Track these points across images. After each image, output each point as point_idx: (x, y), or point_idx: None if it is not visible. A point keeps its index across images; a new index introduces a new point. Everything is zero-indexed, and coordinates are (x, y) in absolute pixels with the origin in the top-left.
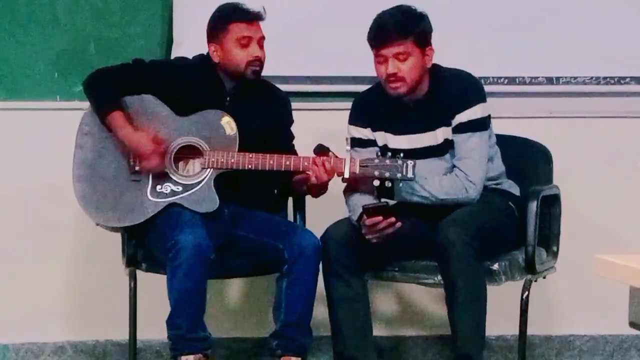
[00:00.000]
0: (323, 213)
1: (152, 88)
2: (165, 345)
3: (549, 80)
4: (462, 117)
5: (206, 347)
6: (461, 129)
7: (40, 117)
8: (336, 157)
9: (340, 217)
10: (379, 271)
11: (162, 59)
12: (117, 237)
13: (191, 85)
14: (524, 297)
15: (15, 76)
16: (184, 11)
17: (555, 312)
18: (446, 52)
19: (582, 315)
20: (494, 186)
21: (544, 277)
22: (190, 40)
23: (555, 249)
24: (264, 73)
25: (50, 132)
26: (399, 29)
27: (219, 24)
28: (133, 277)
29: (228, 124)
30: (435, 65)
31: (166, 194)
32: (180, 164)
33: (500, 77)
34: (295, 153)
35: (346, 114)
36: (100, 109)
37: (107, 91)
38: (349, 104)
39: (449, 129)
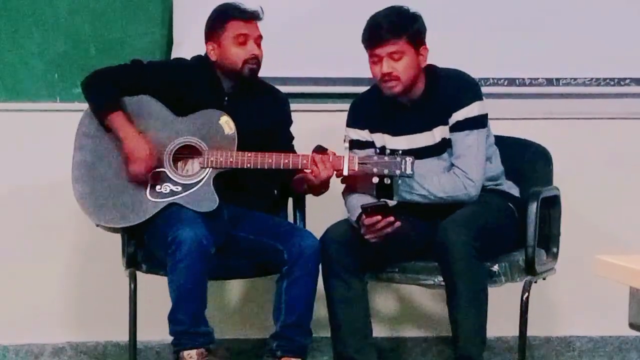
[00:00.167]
0: (323, 214)
1: (150, 88)
2: (165, 346)
3: (549, 82)
4: (458, 115)
5: (208, 341)
6: (458, 127)
7: (40, 118)
8: (335, 155)
9: (340, 218)
10: (378, 272)
11: (161, 59)
12: (117, 237)
13: (190, 85)
14: (524, 298)
15: (16, 77)
16: (184, 12)
17: (555, 313)
18: (446, 53)
19: (582, 316)
20: (493, 187)
21: (544, 278)
22: (190, 41)
23: (555, 250)
24: (264, 74)
25: (50, 133)
26: (393, 29)
27: (217, 22)
28: (133, 278)
29: (226, 124)
30: (431, 66)
31: (165, 194)
32: (179, 164)
33: (500, 79)
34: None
35: (345, 115)
36: (99, 109)
37: (106, 92)
38: (348, 105)
39: (446, 127)
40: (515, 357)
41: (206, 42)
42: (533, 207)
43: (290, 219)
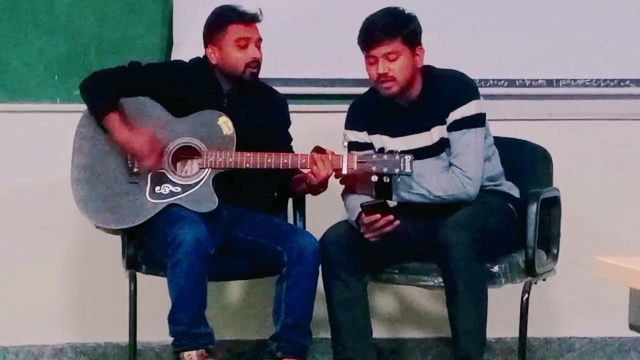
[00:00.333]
0: (323, 215)
1: (149, 90)
2: (165, 347)
3: (549, 83)
4: (456, 115)
5: (208, 342)
6: (456, 126)
7: (40, 120)
8: (334, 154)
9: (340, 219)
10: (378, 273)
11: (159, 61)
12: (117, 239)
13: (188, 87)
14: (524, 299)
15: (16, 78)
16: (184, 13)
17: (555, 314)
18: (446, 55)
19: (582, 317)
20: (493, 187)
21: (544, 280)
22: (190, 42)
23: (555, 251)
24: (263, 75)
25: (50, 134)
26: (388, 29)
27: (217, 25)
28: (133, 279)
29: (225, 124)
30: (428, 67)
31: (165, 194)
32: (179, 164)
33: (500, 80)
34: None
35: (344, 116)
36: (97, 110)
37: (104, 93)
38: (347, 107)
39: (444, 127)
40: (515, 358)
41: (206, 46)
42: (533, 208)
43: (290, 219)
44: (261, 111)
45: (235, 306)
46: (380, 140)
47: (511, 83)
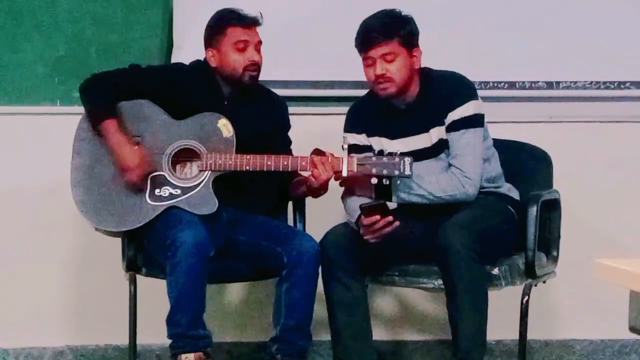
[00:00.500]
0: (323, 217)
1: (149, 92)
2: (165, 350)
3: (549, 85)
4: (454, 115)
5: (206, 344)
6: (454, 126)
7: (40, 122)
8: (333, 156)
9: (339, 221)
10: (378, 275)
11: (159, 64)
12: (117, 241)
13: (188, 89)
14: (524, 301)
15: (16, 81)
16: (184, 16)
17: (555, 317)
18: (446, 57)
19: (582, 319)
20: (493, 189)
21: (544, 282)
22: (190, 45)
23: (555, 253)
24: (263, 77)
25: (50, 136)
26: (384, 30)
27: (217, 28)
28: (133, 282)
29: (225, 127)
30: (425, 68)
31: (165, 197)
32: (178, 167)
33: (500, 82)
34: None
35: (344, 119)
36: (93, 115)
37: (102, 97)
38: (346, 109)
39: (443, 128)
40: None
41: (206, 49)
42: (533, 211)
43: (290, 221)
44: (261, 114)
45: (235, 308)
46: (379, 143)
47: (511, 85)
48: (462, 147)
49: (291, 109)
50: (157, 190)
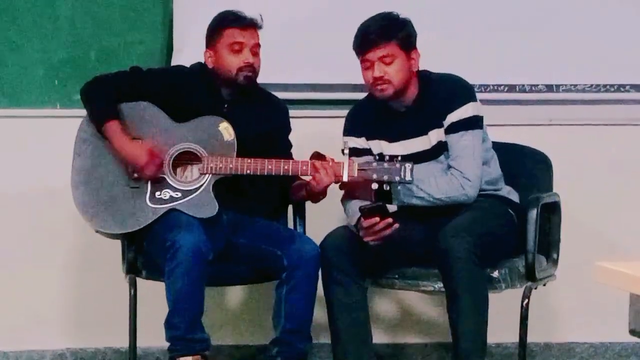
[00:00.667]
0: (323, 220)
1: (149, 94)
2: (165, 353)
3: (549, 88)
4: (453, 117)
5: (204, 348)
6: (453, 128)
7: (40, 125)
8: (334, 161)
9: (339, 224)
10: (378, 278)
11: (160, 66)
12: (117, 244)
13: (189, 92)
14: (524, 304)
15: (16, 84)
16: (184, 18)
17: (555, 320)
18: (446, 60)
19: (582, 322)
20: (492, 192)
21: (544, 285)
22: (190, 48)
23: (555, 256)
24: (263, 80)
25: (50, 139)
26: (382, 32)
27: (215, 29)
28: (133, 285)
29: (226, 130)
30: (424, 71)
31: (165, 200)
32: (179, 170)
33: (500, 85)
34: None
35: (343, 122)
36: (96, 117)
37: (103, 100)
38: (346, 112)
39: (441, 130)
40: None
41: (205, 49)
42: (533, 214)
43: (290, 225)
44: (261, 117)
45: (235, 311)
46: (378, 146)
47: (511, 88)
48: (461, 149)
49: (291, 112)
50: (157, 193)
